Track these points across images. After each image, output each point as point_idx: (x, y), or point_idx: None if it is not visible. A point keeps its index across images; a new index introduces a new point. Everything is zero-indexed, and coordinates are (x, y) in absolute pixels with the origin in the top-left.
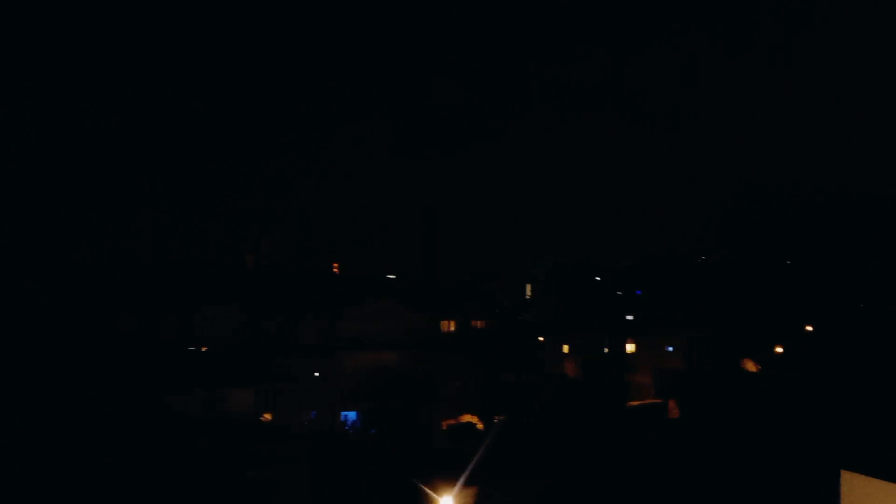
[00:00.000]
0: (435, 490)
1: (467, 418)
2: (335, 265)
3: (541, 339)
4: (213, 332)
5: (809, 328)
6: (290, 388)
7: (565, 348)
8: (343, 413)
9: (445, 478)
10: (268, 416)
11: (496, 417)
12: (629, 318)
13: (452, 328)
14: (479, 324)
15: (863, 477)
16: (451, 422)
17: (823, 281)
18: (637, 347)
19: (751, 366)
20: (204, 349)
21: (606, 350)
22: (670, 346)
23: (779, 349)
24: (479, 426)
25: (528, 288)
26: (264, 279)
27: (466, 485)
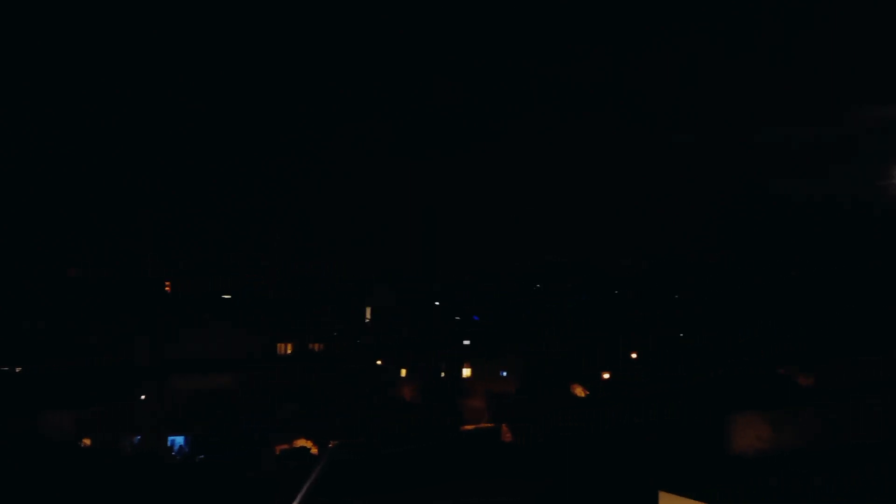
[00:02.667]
0: None
1: (301, 442)
2: (167, 283)
3: (379, 362)
4: (29, 350)
5: (634, 355)
6: (113, 411)
7: (403, 372)
8: (170, 438)
9: None
10: (87, 441)
11: (331, 442)
12: (466, 342)
13: (289, 351)
14: (316, 346)
15: (679, 497)
16: (285, 446)
17: (652, 308)
18: (473, 372)
19: (580, 391)
20: (18, 369)
21: (443, 374)
22: (504, 370)
23: (606, 375)
24: (314, 450)
25: (368, 311)
26: (87, 294)
27: None
